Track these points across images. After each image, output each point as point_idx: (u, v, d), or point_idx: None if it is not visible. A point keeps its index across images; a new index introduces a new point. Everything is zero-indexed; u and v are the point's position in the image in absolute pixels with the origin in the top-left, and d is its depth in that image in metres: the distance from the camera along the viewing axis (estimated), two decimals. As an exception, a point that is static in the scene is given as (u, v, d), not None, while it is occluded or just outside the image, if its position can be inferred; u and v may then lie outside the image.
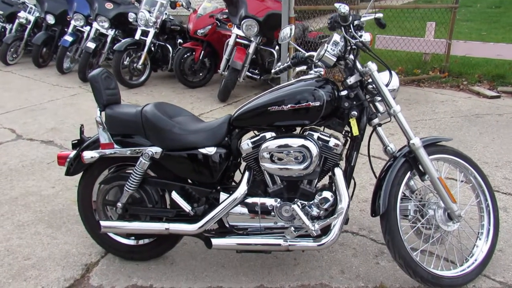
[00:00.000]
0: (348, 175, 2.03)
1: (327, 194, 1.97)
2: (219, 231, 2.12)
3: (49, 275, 2.25)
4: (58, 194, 3.10)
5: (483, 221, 2.16)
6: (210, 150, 2.04)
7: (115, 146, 2.14)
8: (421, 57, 6.19)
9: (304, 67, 2.24)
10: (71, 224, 2.70)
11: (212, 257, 2.35)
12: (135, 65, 5.94)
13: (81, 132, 2.30)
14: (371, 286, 2.10)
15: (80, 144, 2.25)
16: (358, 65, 1.96)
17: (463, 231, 2.28)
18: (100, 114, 2.18)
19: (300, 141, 1.92)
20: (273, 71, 2.31)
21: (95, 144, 2.19)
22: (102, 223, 2.15)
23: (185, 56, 5.68)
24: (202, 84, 5.99)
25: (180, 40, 6.31)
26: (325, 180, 2.12)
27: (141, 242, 2.28)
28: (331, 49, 1.93)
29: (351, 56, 1.97)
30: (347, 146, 2.07)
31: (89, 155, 2.12)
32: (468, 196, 2.37)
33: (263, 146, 1.96)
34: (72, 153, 2.24)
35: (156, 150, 2.06)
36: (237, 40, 5.15)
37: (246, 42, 5.15)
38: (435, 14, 5.89)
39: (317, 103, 1.90)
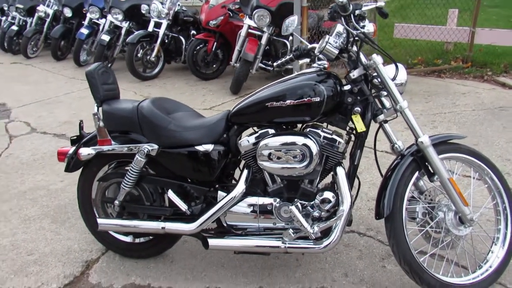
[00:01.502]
0: (352, 175, 1.93)
1: (328, 194, 1.87)
2: (218, 231, 2.06)
3: (49, 271, 2.24)
4: (65, 188, 3.10)
5: (500, 225, 2.01)
6: (207, 147, 1.97)
7: (113, 142, 2.10)
8: (442, 47, 5.92)
9: (307, 60, 2.13)
10: (75, 219, 2.69)
11: (212, 256, 2.29)
12: (148, 57, 5.92)
13: (81, 128, 2.27)
14: (376, 291, 2.00)
15: (79, 140, 2.22)
16: (362, 58, 1.84)
17: (478, 236, 2.13)
18: (98, 109, 2.13)
19: (299, 139, 1.82)
20: (275, 64, 2.21)
21: (93, 140, 2.15)
22: (99, 220, 2.11)
23: (198, 47, 5.61)
24: (215, 76, 5.92)
25: (193, 32, 6.24)
26: (329, 178, 2.02)
27: (137, 240, 2.24)
28: (334, 41, 1.82)
29: (355, 48, 1.84)
30: (353, 144, 1.95)
31: (85, 152, 2.09)
32: (486, 196, 2.22)
33: (261, 143, 1.87)
34: (72, 149, 2.21)
35: (152, 147, 2.00)
36: (250, 31, 5.04)
37: (258, 33, 5.03)
38: (458, 1, 5.61)
39: (317, 99, 1.79)
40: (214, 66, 5.87)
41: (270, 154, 1.85)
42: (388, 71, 1.85)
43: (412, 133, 1.86)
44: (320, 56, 1.87)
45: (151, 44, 5.89)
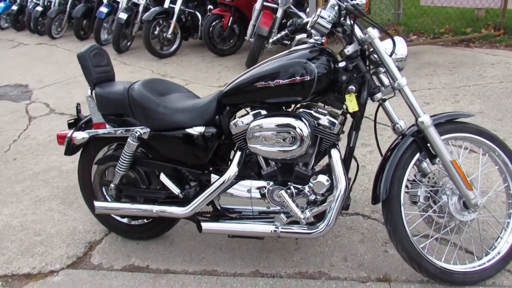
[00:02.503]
0: (348, 157, 1.83)
1: (322, 178, 1.79)
2: (213, 214, 2.03)
3: (54, 252, 2.30)
4: (76, 169, 3.14)
5: (511, 209, 1.87)
6: (198, 130, 1.91)
7: (107, 125, 2.09)
8: (472, 14, 5.51)
9: (304, 35, 2.01)
10: (82, 200, 2.70)
11: (212, 238, 2.27)
12: (165, 34, 5.86)
13: (78, 111, 2.27)
14: (374, 277, 1.92)
15: (76, 123, 2.22)
16: (357, 32, 1.71)
17: (487, 221, 2.00)
18: (91, 92, 2.11)
19: (289, 120, 1.73)
20: (270, 40, 2.11)
21: (89, 123, 2.15)
22: (96, 203, 2.13)
23: (214, 23, 5.50)
24: (232, 52, 5.80)
25: (210, 6, 6.09)
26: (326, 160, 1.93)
27: (133, 222, 2.25)
28: (327, 14, 1.69)
29: (349, 22, 1.71)
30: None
31: (80, 135, 2.09)
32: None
33: (251, 125, 1.80)
34: (69, 133, 2.21)
35: (143, 130, 1.97)
36: (265, 3, 4.87)
37: (274, 5, 4.85)
38: (492, -38, 5.17)
39: (307, 78, 1.69)
40: (231, 41, 5.75)
41: (260, 136, 1.78)
42: (387, 45, 1.71)
43: (412, 113, 1.73)
44: (313, 31, 1.75)
45: (167, 20, 5.82)
